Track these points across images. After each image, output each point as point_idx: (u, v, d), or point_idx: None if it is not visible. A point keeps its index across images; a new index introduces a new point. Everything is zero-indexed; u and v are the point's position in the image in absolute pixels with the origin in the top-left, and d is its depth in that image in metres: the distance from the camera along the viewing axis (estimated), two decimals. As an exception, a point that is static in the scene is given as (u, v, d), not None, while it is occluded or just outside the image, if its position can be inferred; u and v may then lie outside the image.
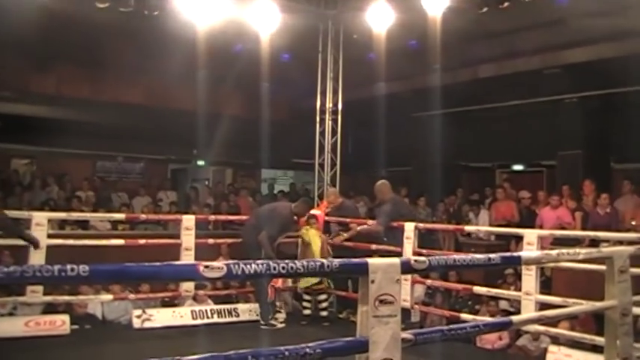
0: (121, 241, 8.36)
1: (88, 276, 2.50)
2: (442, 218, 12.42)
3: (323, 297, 8.64)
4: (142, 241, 8.50)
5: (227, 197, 14.20)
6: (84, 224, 11.25)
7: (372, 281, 3.23)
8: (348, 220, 9.18)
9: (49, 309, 7.96)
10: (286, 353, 2.97)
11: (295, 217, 8.74)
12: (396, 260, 3.36)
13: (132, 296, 8.46)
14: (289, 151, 16.20)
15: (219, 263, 2.75)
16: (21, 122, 12.94)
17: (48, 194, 12.51)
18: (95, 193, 13.27)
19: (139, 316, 8.12)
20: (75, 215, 9.69)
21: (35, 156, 15.18)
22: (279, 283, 8.58)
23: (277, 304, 8.71)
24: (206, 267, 2.70)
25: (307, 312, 8.65)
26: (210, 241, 9.03)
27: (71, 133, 13.13)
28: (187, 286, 8.38)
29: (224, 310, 8.62)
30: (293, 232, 9.19)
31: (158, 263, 2.66)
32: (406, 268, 3.41)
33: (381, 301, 3.24)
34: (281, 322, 8.45)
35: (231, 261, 2.82)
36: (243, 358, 2.81)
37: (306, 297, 8.67)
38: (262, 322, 8.30)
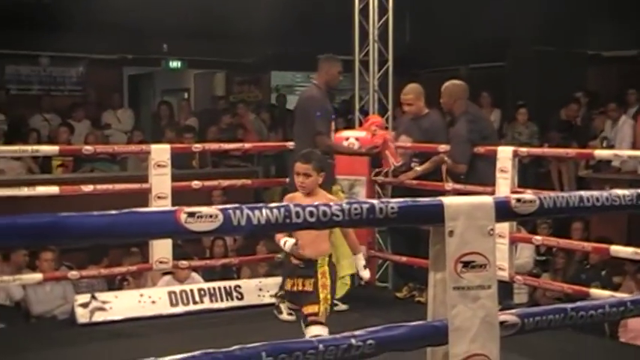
0: (53, 189, 8.33)
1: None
2: (556, 140, 12.34)
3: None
4: (88, 188, 8.45)
5: (219, 116, 14.24)
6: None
7: (451, 232, 3.21)
8: (424, 146, 8.98)
9: None
10: (320, 347, 2.99)
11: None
12: (487, 199, 3.33)
13: (73, 274, 8.47)
14: (313, 43, 16.09)
15: (211, 209, 2.75)
16: None
17: None
18: (6, 116, 13.32)
19: (85, 305, 8.08)
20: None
21: None
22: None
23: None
24: (190, 215, 2.70)
25: None
26: (196, 183, 9.05)
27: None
28: (162, 254, 8.42)
29: (220, 289, 8.69)
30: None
31: (114, 211, 2.66)
32: (504, 211, 3.37)
33: (465, 264, 3.23)
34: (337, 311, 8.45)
35: (230, 205, 2.82)
36: (255, 354, 2.83)
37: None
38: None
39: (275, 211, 2.90)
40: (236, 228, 2.82)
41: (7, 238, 2.56)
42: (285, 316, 8.22)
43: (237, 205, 2.86)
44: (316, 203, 3.05)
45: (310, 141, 8.23)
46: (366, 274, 6.70)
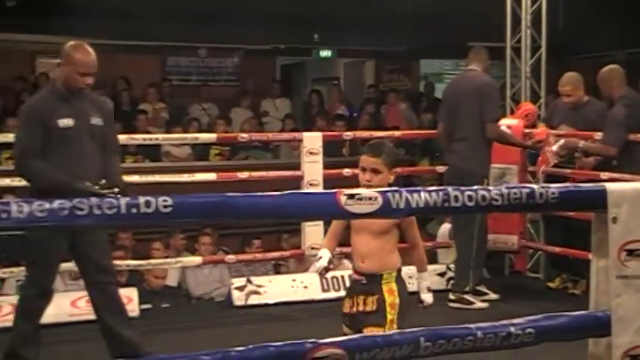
0: (211, 176, 8.56)
1: (171, 213, 2.53)
2: None
3: None
4: (244, 175, 8.65)
5: (368, 104, 14.25)
6: (153, 152, 11.59)
7: (614, 219, 3.12)
8: (588, 134, 8.73)
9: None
10: (478, 334, 2.95)
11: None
12: (654, 185, 3.23)
13: (230, 258, 8.68)
14: (462, 31, 15.93)
15: (370, 191, 2.73)
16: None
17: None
18: (167, 106, 13.58)
19: (241, 289, 8.29)
20: (139, 138, 9.90)
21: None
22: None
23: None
24: (350, 197, 2.68)
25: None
26: (347, 171, 9.05)
27: (124, 15, 13.34)
28: (314, 240, 8.46)
29: (371, 276, 8.68)
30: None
31: (277, 193, 2.66)
32: (672, 198, 3.26)
33: (629, 252, 3.14)
34: (484, 302, 8.32)
35: (388, 188, 2.80)
36: (413, 339, 2.80)
37: None
38: (452, 296, 8.25)
39: (434, 194, 2.89)
40: (395, 210, 2.82)
41: (181, 214, 2.63)
42: (479, 304, 8.17)
43: (395, 188, 2.84)
44: (475, 187, 3.00)
45: (480, 127, 8.14)
46: (428, 297, 4.83)
